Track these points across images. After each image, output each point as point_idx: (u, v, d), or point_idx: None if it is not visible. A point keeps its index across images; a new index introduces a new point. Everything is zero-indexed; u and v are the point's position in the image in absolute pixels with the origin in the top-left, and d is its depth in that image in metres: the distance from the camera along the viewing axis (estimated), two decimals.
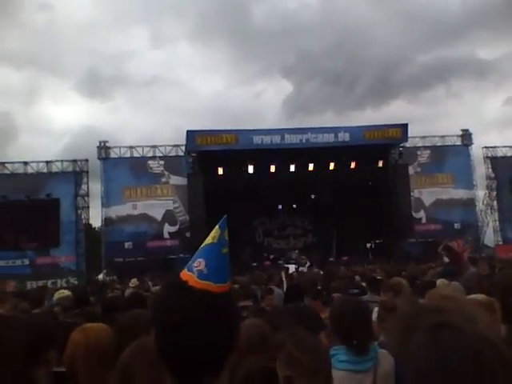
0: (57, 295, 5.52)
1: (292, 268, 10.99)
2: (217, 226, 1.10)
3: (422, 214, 26.20)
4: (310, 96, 75.26)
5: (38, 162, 24.63)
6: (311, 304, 4.65)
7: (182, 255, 22.46)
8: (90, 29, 66.75)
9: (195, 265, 1.03)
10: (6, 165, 24.31)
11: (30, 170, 24.37)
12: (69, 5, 64.85)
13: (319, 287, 6.29)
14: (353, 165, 24.51)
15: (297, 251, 25.26)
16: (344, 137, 22.50)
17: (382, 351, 2.38)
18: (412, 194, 24.91)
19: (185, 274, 1.02)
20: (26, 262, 23.08)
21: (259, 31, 67.17)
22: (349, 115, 79.08)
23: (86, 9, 66.28)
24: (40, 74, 74.21)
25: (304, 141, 22.50)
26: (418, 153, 26.58)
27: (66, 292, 5.62)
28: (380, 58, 63.58)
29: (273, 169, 24.29)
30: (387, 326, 2.71)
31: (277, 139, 22.40)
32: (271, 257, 24.84)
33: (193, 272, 1.01)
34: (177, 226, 24.49)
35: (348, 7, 61.77)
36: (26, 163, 24.39)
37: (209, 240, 1.08)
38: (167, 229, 24.44)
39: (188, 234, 23.14)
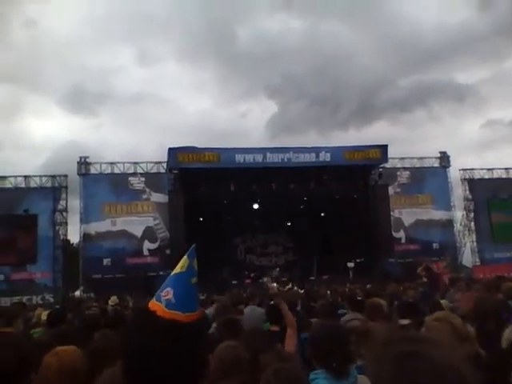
0: (43, 315, 5.42)
1: (273, 287, 10.88)
2: (185, 256, 1.10)
3: (401, 234, 26.51)
4: (294, 117, 76.08)
5: (16, 176, 24.22)
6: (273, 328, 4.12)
7: (161, 272, 22.16)
8: (75, 45, 66.43)
9: (163, 294, 1.02)
10: None
11: (7, 185, 23.94)
12: (54, 22, 64.63)
13: (298, 308, 6.24)
14: (334, 184, 24.74)
15: (278, 269, 25.21)
16: (325, 157, 22.75)
17: (361, 376, 2.34)
18: (392, 213, 25.22)
19: (153, 304, 1.02)
20: (1, 277, 22.51)
21: (245, 52, 67.94)
22: (332, 136, 79.96)
23: (71, 25, 66.07)
24: (22, 89, 73.39)
25: (286, 160, 22.67)
26: (398, 173, 27.03)
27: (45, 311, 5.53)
28: (363, 81, 64.79)
29: (254, 187, 24.34)
30: (363, 350, 2.69)
31: (259, 158, 22.52)
32: (252, 275, 24.72)
33: (161, 302, 1.01)
34: (157, 243, 24.25)
35: (331, 32, 63.03)
36: (3, 177, 23.97)
37: (177, 269, 1.08)
38: (147, 245, 24.18)
39: (168, 251, 22.91)
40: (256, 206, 25.80)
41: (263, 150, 23.07)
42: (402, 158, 27.53)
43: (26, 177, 24.23)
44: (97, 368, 2.10)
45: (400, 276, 19.72)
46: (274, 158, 22.61)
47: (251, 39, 69.19)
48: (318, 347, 2.38)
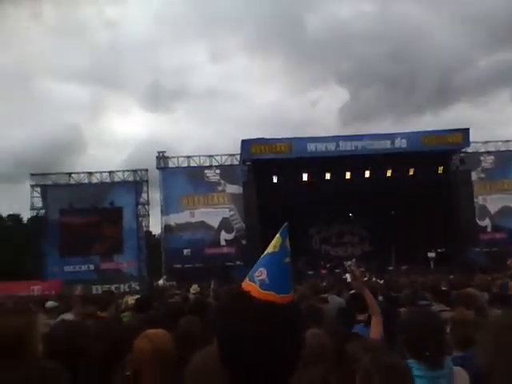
0: (130, 300, 5.79)
1: (349, 278, 10.70)
2: (278, 234, 1.05)
3: (487, 222, 24.97)
4: (367, 103, 74.02)
5: (101, 172, 25.89)
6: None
7: (238, 262, 22.74)
8: (151, 44, 69.41)
9: (257, 274, 0.99)
10: (72, 175, 25.76)
11: (94, 180, 25.65)
12: (131, 22, 67.78)
13: (380, 298, 6.10)
14: (411, 171, 23.83)
15: (354, 259, 24.77)
16: (401, 143, 21.95)
17: (458, 368, 2.23)
18: (476, 200, 23.82)
19: (247, 284, 0.99)
20: (92, 267, 24.23)
21: (315, 39, 67.03)
22: (408, 122, 76.86)
23: (147, 25, 69.03)
24: (105, 89, 78.10)
25: (360, 147, 22.16)
26: (481, 158, 25.40)
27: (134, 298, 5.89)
28: (439, 62, 61.61)
29: (328, 176, 24.06)
30: (466, 340, 2.55)
31: (331, 146, 22.20)
32: (327, 265, 24.52)
33: (255, 282, 0.98)
34: (233, 234, 24.79)
35: (406, 13, 60.34)
36: (90, 173, 25.73)
37: (270, 248, 1.04)
38: (224, 236, 24.80)
39: (244, 242, 23.36)
40: (330, 196, 25.46)
41: (336, 138, 22.71)
42: (486, 142, 25.82)
43: (110, 172, 25.83)
44: (183, 352, 2.18)
45: (486, 266, 18.62)
46: (347, 146, 22.19)
47: (321, 26, 68.09)
48: (410, 335, 2.25)
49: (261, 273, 1.00)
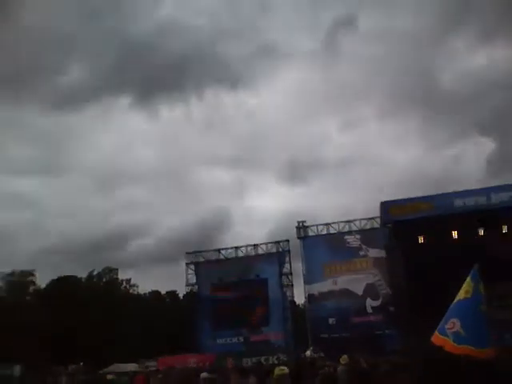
0: (277, 371, 5.86)
1: None
2: (468, 278, 0.95)
3: None
4: None
5: (246, 246, 27.32)
6: None
7: (387, 331, 21.52)
8: (285, 123, 73.51)
9: (448, 326, 0.88)
10: (221, 251, 27.66)
11: (240, 254, 27.10)
12: (266, 106, 72.96)
13: None
14: None
15: None
16: None
17: None
18: None
19: (438, 338, 0.88)
20: (241, 339, 24.91)
21: (449, 95, 64.48)
22: None
23: (280, 106, 73.80)
24: (246, 172, 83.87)
25: None
26: None
27: (286, 369, 5.93)
28: None
29: (481, 232, 21.99)
30: None
31: (482, 200, 20.56)
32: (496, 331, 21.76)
33: (447, 335, 0.88)
34: (379, 300, 23.70)
35: None
36: (237, 248, 27.32)
37: (461, 295, 0.93)
38: (370, 303, 23.83)
39: (392, 308, 22.13)
40: (483, 252, 23.10)
41: (486, 191, 21.04)
42: None
43: (255, 245, 27.12)
44: None
45: None
46: (499, 198, 20.32)
47: (453, 79, 65.64)
48: None
49: (453, 324, 0.94)
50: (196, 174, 72.19)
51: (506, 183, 21.44)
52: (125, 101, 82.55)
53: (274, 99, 73.91)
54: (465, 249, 22.32)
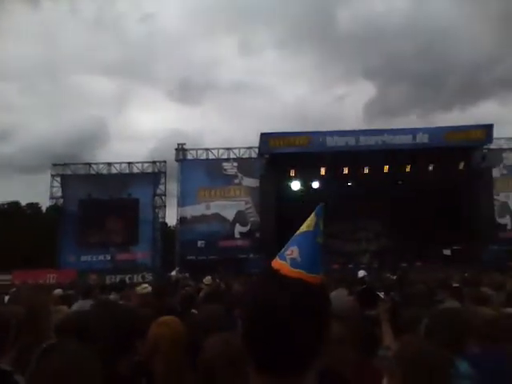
0: (139, 289, 5.79)
1: (361, 273, 10.62)
2: (313, 214, 1.04)
3: (507, 220, 24.46)
4: (394, 99, 73.20)
5: (120, 163, 26.10)
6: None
7: (252, 255, 22.71)
8: (182, 39, 69.60)
9: (288, 253, 0.97)
10: (92, 166, 26.02)
11: (113, 171, 25.87)
12: (163, 16, 67.85)
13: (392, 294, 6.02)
14: (431, 167, 23.46)
15: (368, 255, 24.59)
16: (422, 138, 21.61)
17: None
18: (497, 198, 23.37)
19: (277, 263, 0.96)
20: (108, 257, 24.47)
21: (345, 35, 66.53)
22: (434, 118, 75.91)
23: (181, 19, 69.22)
24: (133, 82, 78.65)
25: (380, 142, 21.88)
26: (504, 155, 24.87)
27: (148, 287, 5.88)
28: (469, 59, 60.44)
29: (346, 171, 23.82)
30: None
31: (352, 141, 21.98)
32: (340, 261, 24.35)
33: (285, 260, 0.96)
34: (248, 227, 24.76)
35: (435, 10, 59.37)
36: (109, 164, 25.96)
37: (303, 228, 1.03)
38: (238, 229, 24.79)
39: (258, 235, 23.33)
40: (347, 190, 25.25)
41: (356, 133, 22.47)
42: (510, 138, 25.27)
43: (129, 163, 26.03)
44: (194, 340, 2.17)
45: (504, 265, 18.26)
46: (367, 141, 21.94)
47: (352, 21, 67.53)
48: (452, 333, 2.27)
49: (292, 251, 0.99)
50: (76, 77, 65.88)
51: (376, 128, 23.13)
52: None
53: (176, 7, 68.90)
54: (330, 185, 24.20)
